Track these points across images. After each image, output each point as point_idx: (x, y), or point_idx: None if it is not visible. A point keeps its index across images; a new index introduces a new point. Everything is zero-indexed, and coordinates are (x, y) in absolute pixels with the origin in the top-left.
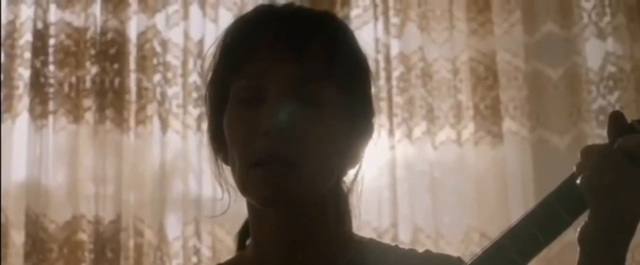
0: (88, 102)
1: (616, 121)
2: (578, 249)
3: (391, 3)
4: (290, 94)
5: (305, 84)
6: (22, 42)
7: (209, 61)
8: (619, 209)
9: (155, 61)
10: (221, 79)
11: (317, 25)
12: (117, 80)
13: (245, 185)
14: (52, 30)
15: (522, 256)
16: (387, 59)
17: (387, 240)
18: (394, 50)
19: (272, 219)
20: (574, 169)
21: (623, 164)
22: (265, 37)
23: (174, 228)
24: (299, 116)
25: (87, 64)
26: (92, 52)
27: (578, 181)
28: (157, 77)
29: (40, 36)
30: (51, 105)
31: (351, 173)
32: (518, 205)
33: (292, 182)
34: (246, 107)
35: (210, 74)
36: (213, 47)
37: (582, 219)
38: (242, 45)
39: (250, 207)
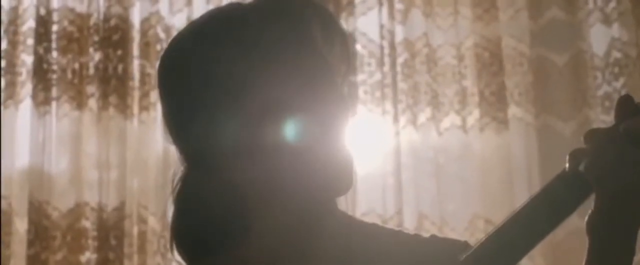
0: (91, 88)
1: (624, 104)
2: (585, 236)
3: None
4: (315, 84)
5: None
6: (24, 28)
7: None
8: (622, 191)
9: (158, 47)
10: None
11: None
12: (120, 67)
13: (321, 173)
14: (55, 17)
15: (527, 241)
16: (392, 45)
17: (391, 227)
18: (399, 36)
19: (288, 208)
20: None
21: (626, 146)
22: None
23: None
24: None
25: (90, 50)
26: (95, 38)
27: (582, 165)
28: None
29: (43, 22)
30: (54, 92)
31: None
32: (523, 192)
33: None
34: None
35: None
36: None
37: (588, 207)
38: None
39: (262, 201)
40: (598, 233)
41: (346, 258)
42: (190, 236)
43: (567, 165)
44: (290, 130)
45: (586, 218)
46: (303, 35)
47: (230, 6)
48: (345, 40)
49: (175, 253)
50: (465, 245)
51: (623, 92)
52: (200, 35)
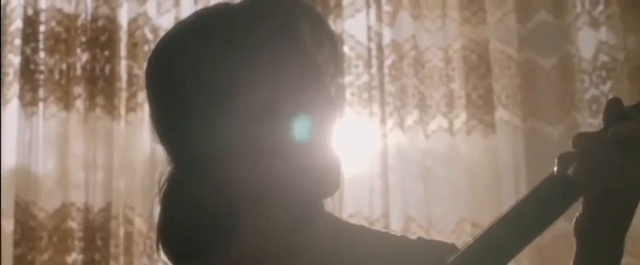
0: (78, 89)
1: (613, 107)
2: (572, 240)
3: None
4: (308, 84)
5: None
6: (12, 28)
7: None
8: (611, 195)
9: (146, 48)
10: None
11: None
12: (107, 68)
13: (309, 175)
14: (42, 17)
15: (515, 244)
16: (380, 47)
17: (378, 228)
18: (386, 38)
19: (276, 209)
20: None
21: (613, 148)
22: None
23: None
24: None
25: (78, 51)
26: (83, 39)
27: (570, 169)
28: None
29: (30, 23)
30: (41, 93)
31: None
32: (510, 195)
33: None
34: (266, 109)
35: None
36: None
37: (575, 210)
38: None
39: (250, 202)
40: (586, 236)
41: (333, 259)
42: (176, 236)
43: (555, 168)
44: (279, 131)
45: (574, 221)
46: (291, 36)
47: (217, 6)
48: (334, 41)
49: (162, 253)
50: (452, 247)
51: (610, 96)
52: (188, 36)
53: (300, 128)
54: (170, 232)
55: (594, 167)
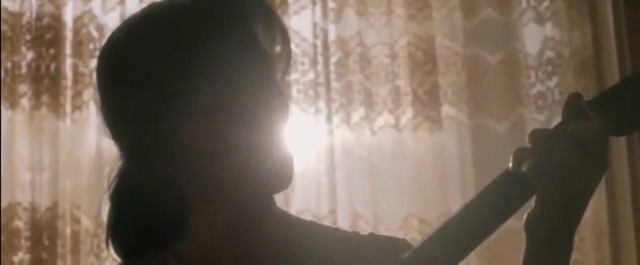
0: (24, 87)
1: (573, 103)
2: (519, 236)
3: None
4: (263, 80)
5: (268, 69)
6: None
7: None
8: (565, 195)
9: (91, 46)
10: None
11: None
12: (53, 66)
13: (249, 176)
14: None
15: (470, 240)
16: (325, 44)
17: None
18: (332, 35)
19: (227, 206)
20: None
21: (571, 149)
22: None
23: None
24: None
25: (23, 49)
26: (28, 37)
27: (525, 165)
28: (93, 63)
29: None
30: None
31: None
32: (457, 191)
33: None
34: (221, 105)
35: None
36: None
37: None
38: (189, 43)
39: (201, 199)
40: (536, 233)
41: (285, 255)
42: (126, 233)
43: (510, 164)
44: (231, 129)
45: (524, 217)
46: (244, 32)
47: (166, 3)
48: (286, 37)
49: (111, 250)
50: (404, 243)
51: (557, 92)
52: (136, 35)
53: (250, 125)
54: (119, 229)
55: (550, 168)
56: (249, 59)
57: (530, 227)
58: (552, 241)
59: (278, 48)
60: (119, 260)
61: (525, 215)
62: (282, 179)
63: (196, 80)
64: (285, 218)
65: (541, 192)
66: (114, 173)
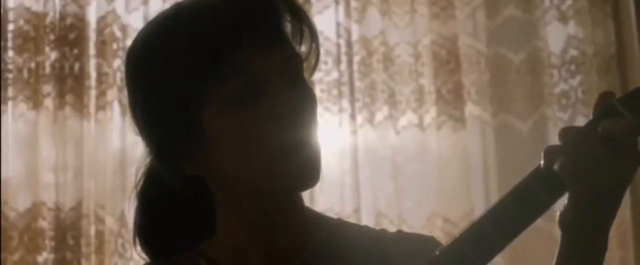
0: (48, 88)
1: (605, 100)
2: (545, 235)
3: None
4: (290, 77)
5: (295, 66)
6: None
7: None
8: (598, 192)
9: (115, 46)
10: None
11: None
12: (76, 66)
13: (277, 173)
14: (10, 16)
15: (501, 239)
16: (349, 44)
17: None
18: (355, 34)
19: (261, 206)
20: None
21: (601, 146)
22: (241, 25)
23: None
24: (307, 99)
25: (47, 49)
26: (52, 37)
27: (556, 164)
28: (117, 63)
29: None
30: (10, 92)
31: None
32: (480, 190)
33: (320, 161)
34: (248, 102)
35: (150, 81)
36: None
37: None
38: (216, 40)
39: (228, 197)
40: (571, 230)
41: (314, 253)
42: (153, 232)
43: (541, 162)
44: (258, 125)
45: (558, 214)
46: (274, 28)
47: (192, 2)
48: (314, 34)
49: (138, 249)
50: (433, 240)
51: (580, 90)
52: (165, 33)
53: (280, 122)
54: (147, 228)
55: (581, 165)
56: (277, 57)
57: (564, 223)
58: (586, 237)
59: (306, 46)
60: (146, 259)
61: (558, 213)
62: (310, 176)
63: (225, 78)
64: (314, 215)
65: (574, 190)
66: (141, 171)
